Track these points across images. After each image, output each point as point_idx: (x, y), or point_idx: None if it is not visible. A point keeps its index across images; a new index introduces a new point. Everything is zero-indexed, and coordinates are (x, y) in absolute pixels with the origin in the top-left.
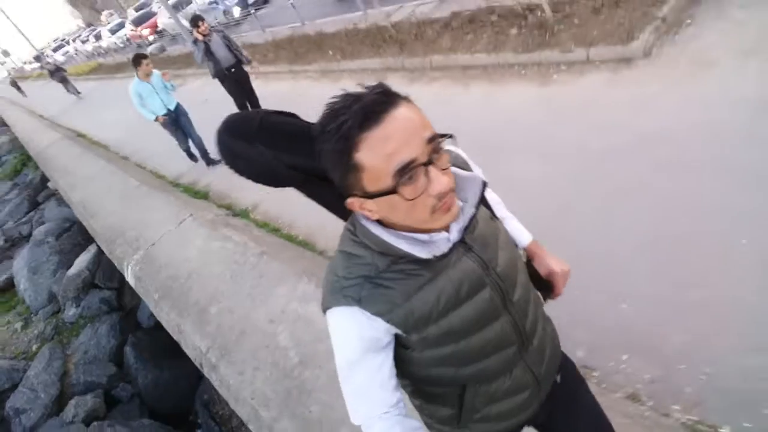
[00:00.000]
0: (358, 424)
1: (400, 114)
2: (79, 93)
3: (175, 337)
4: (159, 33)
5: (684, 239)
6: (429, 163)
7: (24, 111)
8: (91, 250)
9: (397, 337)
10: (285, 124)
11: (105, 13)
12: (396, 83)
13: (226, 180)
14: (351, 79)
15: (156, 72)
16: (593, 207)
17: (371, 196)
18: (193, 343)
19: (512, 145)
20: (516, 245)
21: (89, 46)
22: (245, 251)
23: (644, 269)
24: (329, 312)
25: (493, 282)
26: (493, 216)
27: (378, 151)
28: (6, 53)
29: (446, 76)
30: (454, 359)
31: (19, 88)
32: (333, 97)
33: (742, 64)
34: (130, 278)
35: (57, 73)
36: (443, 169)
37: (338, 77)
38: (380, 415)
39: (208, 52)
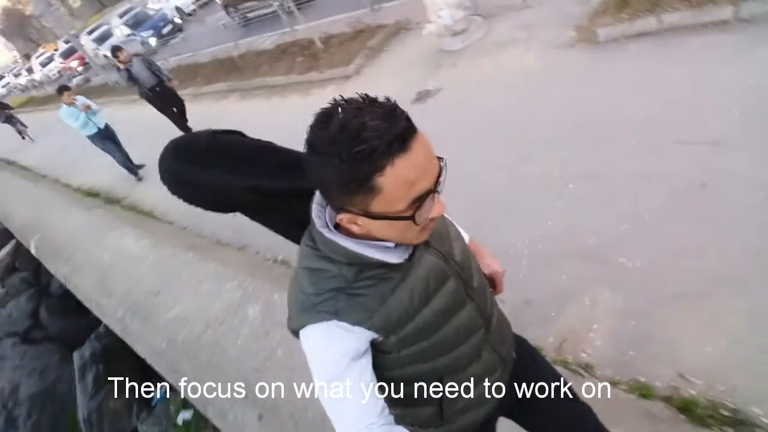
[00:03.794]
0: None
1: (421, 142)
2: (27, 131)
3: (61, 279)
4: (86, 65)
5: None
6: (436, 190)
7: None
8: (10, 244)
9: (373, 343)
10: (238, 144)
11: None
12: (233, 101)
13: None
14: (210, 99)
15: (80, 98)
16: None
17: (376, 217)
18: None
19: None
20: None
21: (23, 80)
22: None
23: None
24: (303, 331)
25: (454, 272)
26: None
27: (402, 178)
28: None
29: (260, 94)
30: (431, 353)
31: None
32: (342, 111)
33: (405, 72)
34: (32, 249)
35: (1, 111)
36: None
37: (201, 99)
38: (368, 425)
39: (131, 77)
